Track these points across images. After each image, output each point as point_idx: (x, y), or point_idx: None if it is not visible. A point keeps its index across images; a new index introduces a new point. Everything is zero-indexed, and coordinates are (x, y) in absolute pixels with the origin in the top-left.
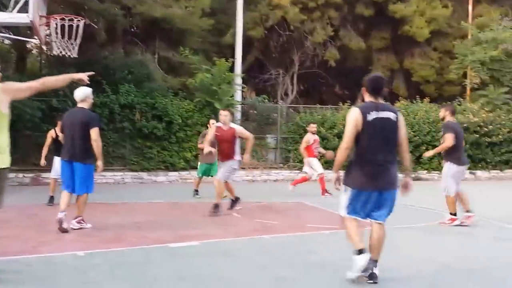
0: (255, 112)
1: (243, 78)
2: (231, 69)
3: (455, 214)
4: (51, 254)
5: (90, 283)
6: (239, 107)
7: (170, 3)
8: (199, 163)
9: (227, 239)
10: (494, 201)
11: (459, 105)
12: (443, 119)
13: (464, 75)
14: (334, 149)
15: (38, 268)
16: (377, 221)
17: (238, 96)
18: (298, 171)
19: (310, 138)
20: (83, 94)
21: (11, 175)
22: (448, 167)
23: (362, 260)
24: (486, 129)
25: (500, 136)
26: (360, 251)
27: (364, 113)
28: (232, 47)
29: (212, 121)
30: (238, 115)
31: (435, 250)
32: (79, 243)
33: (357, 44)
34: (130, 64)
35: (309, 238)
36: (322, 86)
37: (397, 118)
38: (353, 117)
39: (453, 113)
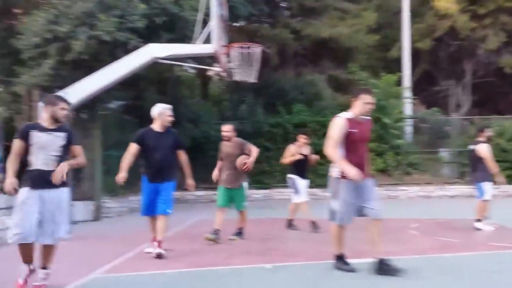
0: (426, 125)
1: (412, 91)
2: (399, 83)
3: None
4: (241, 266)
5: None
6: (409, 121)
7: (336, 22)
8: None
9: (404, 256)
10: None
11: None
12: None
13: None
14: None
15: (229, 279)
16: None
17: (407, 110)
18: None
19: None
20: None
21: (201, 193)
22: None
23: None
24: None
25: None
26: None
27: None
28: (399, 61)
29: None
30: (409, 129)
31: None
32: (265, 256)
33: None
34: (301, 85)
35: (493, 257)
36: (498, 95)
37: None
38: None
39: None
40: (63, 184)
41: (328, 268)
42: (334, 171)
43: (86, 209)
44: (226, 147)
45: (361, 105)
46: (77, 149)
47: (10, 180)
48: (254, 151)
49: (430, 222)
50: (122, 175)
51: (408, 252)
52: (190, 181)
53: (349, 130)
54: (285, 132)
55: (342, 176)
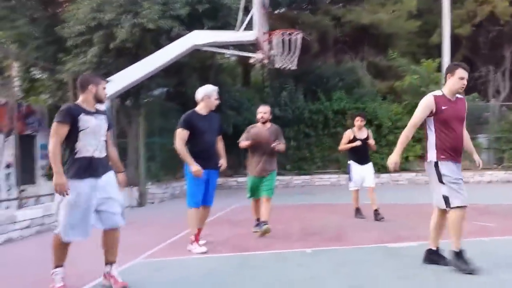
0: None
1: None
2: (439, 69)
3: None
4: (282, 250)
5: (315, 278)
6: None
7: (377, 9)
8: None
9: (443, 241)
10: None
11: None
12: None
13: None
14: None
15: (271, 264)
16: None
17: None
18: None
19: None
20: None
21: (243, 179)
22: None
23: None
24: None
25: None
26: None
27: None
28: (439, 47)
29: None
30: None
31: None
32: (306, 241)
33: None
34: (341, 72)
35: None
36: None
37: None
38: None
39: None
40: (109, 168)
41: (369, 253)
42: (430, 155)
43: (131, 195)
44: (259, 130)
45: (456, 81)
46: (109, 135)
47: (63, 180)
48: (283, 146)
49: (467, 207)
50: (197, 168)
51: (446, 236)
52: (224, 162)
53: (438, 107)
54: (325, 119)
55: (440, 157)
